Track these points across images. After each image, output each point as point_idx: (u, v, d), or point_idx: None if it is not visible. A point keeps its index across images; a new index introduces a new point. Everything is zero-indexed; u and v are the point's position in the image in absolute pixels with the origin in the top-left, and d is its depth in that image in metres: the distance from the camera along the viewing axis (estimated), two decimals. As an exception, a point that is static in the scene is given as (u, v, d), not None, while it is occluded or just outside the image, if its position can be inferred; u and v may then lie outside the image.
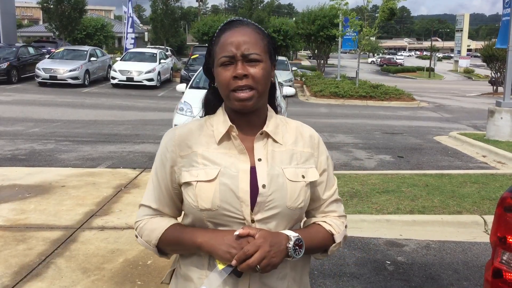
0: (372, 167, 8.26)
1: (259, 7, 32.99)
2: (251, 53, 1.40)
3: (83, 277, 3.96)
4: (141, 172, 7.30)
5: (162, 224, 1.49)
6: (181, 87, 9.71)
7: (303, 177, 1.47)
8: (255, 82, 1.41)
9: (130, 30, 28.96)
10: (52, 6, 27.65)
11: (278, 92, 1.65)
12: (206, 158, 1.44)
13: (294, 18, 41.48)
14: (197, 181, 1.42)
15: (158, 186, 1.52)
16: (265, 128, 1.48)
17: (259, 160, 1.45)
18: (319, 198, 1.55)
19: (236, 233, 1.36)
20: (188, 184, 1.44)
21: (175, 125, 8.28)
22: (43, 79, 20.46)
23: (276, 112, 1.58)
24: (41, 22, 59.70)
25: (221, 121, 1.49)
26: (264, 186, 1.41)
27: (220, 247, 1.36)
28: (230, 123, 1.47)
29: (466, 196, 6.11)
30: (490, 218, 5.41)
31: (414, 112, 17.78)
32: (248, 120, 1.49)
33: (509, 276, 1.53)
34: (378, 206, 5.70)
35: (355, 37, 22.33)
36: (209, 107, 1.56)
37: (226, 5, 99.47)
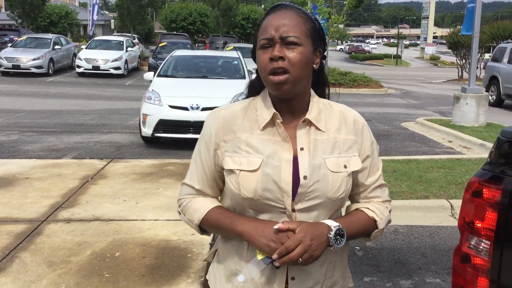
0: (341, 154, 8.30)
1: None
2: (289, 36, 1.40)
3: (49, 270, 3.86)
4: (108, 163, 7.16)
5: (204, 205, 1.52)
6: (148, 75, 9.55)
7: (345, 167, 1.46)
8: (291, 65, 1.39)
9: (95, 17, 28.33)
10: (13, -7, 26.80)
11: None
12: (250, 145, 1.44)
13: (263, 6, 41.33)
14: (240, 169, 1.42)
15: (201, 167, 1.53)
16: (308, 116, 1.47)
17: (301, 149, 1.44)
18: (363, 184, 1.54)
19: (276, 227, 1.37)
20: (231, 171, 1.45)
21: (143, 114, 8.15)
22: (5, 68, 19.88)
23: (325, 97, 1.58)
24: (3, 10, 57.83)
25: (265, 106, 1.48)
26: (305, 177, 1.41)
27: (260, 239, 1.37)
28: (274, 110, 1.45)
29: (433, 181, 6.21)
30: (456, 202, 5.51)
31: (382, 98, 17.99)
32: (290, 106, 1.47)
33: (477, 260, 1.54)
34: (347, 192, 5.73)
35: (324, 25, 22.37)
36: (253, 90, 1.56)
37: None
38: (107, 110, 12.81)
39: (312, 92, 1.52)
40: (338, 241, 1.39)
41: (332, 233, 1.39)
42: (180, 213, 1.59)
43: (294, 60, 1.39)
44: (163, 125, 8.04)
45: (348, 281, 1.61)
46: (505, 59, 15.69)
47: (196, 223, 1.52)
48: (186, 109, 7.98)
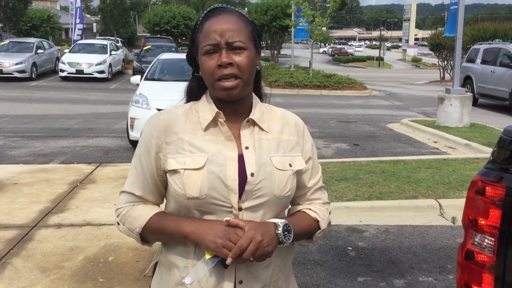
0: (329, 156, 8.37)
1: (211, -4, 32.77)
2: (235, 41, 1.39)
3: (42, 276, 3.83)
4: (96, 167, 7.11)
5: (146, 212, 1.47)
6: (135, 79, 9.51)
7: (290, 165, 1.47)
8: (240, 70, 1.39)
9: (78, 21, 28.09)
10: (-6, -3, 26.51)
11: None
12: (193, 145, 1.42)
13: (246, 8, 41.38)
14: (185, 169, 1.40)
15: (142, 173, 1.49)
16: (251, 116, 1.47)
17: (247, 148, 1.44)
18: (305, 186, 1.56)
19: (226, 218, 1.36)
20: (174, 171, 1.41)
21: (131, 118, 8.12)
22: (-13, 73, 19.60)
23: (262, 99, 1.57)
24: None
25: (207, 107, 1.47)
26: (252, 174, 1.40)
27: (207, 236, 1.36)
28: (216, 110, 1.45)
29: (421, 181, 6.28)
30: (444, 202, 5.59)
31: (366, 100, 18.12)
32: (234, 108, 1.47)
33: (480, 257, 1.58)
34: (337, 193, 5.78)
35: (308, 28, 22.50)
36: (193, 95, 1.53)
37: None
38: (92, 114, 12.72)
39: (254, 95, 1.53)
40: (287, 237, 1.40)
41: (280, 229, 1.39)
42: (118, 224, 1.51)
43: (242, 65, 1.38)
44: (151, 128, 7.99)
45: None
46: (478, 60, 16.43)
47: (137, 231, 1.46)
48: (174, 112, 7.95)
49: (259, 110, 1.50)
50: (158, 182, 1.49)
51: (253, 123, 1.47)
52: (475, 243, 1.58)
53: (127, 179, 1.54)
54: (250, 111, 1.49)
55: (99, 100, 15.68)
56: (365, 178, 6.39)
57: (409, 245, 4.68)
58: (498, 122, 12.33)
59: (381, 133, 10.77)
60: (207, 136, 1.44)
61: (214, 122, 1.45)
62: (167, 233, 1.44)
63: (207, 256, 1.36)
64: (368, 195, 5.75)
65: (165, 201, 1.57)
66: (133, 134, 8.12)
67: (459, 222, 5.24)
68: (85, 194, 5.89)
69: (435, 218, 5.37)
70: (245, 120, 1.46)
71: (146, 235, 1.48)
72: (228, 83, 1.38)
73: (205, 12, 1.47)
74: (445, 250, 4.56)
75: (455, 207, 5.53)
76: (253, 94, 1.53)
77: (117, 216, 1.52)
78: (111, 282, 3.78)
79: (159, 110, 8.01)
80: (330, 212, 1.62)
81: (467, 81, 16.79)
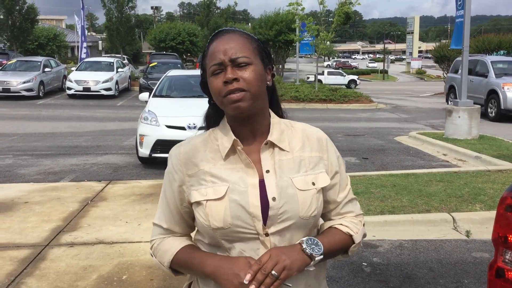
0: (338, 170, 8.32)
1: (216, 12, 33.01)
2: (239, 57, 1.38)
3: (56, 296, 3.81)
4: (107, 184, 7.11)
5: (173, 246, 1.49)
6: (144, 96, 9.56)
7: (313, 184, 1.44)
8: (247, 84, 1.37)
9: (83, 39, 28.34)
10: (2, 17, 26.78)
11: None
12: (214, 175, 1.42)
13: (250, 24, 41.64)
14: (207, 200, 1.40)
15: (167, 205, 1.51)
16: (269, 137, 1.44)
17: (267, 171, 1.42)
18: (334, 201, 1.52)
19: (247, 279, 1.31)
20: (198, 203, 1.42)
21: (140, 134, 8.13)
22: (-5, 92, 19.75)
23: (281, 116, 1.55)
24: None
25: (225, 135, 1.46)
26: (274, 198, 1.38)
27: (219, 280, 1.35)
28: (234, 137, 1.43)
29: (433, 195, 6.24)
30: (458, 215, 5.54)
31: (373, 113, 18.11)
32: (251, 129, 1.45)
33: (511, 275, 1.55)
34: (349, 208, 5.74)
35: (313, 42, 22.60)
36: (211, 122, 1.54)
37: (181, 12, 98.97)
38: (100, 131, 12.77)
39: (272, 113, 1.51)
40: (315, 250, 1.37)
41: (304, 244, 1.37)
42: (152, 256, 1.54)
43: (249, 79, 1.37)
44: (161, 145, 8.02)
45: None
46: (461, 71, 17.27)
47: (166, 265, 1.48)
48: (183, 128, 7.98)
49: (277, 129, 1.47)
50: (183, 214, 1.50)
51: (272, 144, 1.45)
52: (506, 260, 1.55)
53: (157, 211, 1.57)
54: (268, 130, 1.46)
55: (107, 117, 15.76)
56: (377, 192, 6.35)
57: (424, 260, 4.63)
58: (507, 134, 12.26)
59: (390, 146, 10.73)
60: (227, 165, 1.43)
61: (233, 150, 1.44)
62: (192, 269, 1.46)
63: None
64: (381, 210, 5.71)
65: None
66: (142, 151, 8.14)
67: (473, 236, 5.20)
68: (96, 212, 5.88)
69: (449, 232, 5.32)
70: (264, 142, 1.44)
71: (176, 268, 1.50)
72: (234, 95, 1.36)
73: (210, 37, 1.49)
74: (461, 265, 4.51)
75: (468, 220, 5.48)
76: (271, 113, 1.51)
77: (151, 249, 1.55)
78: (126, 301, 3.76)
79: (168, 126, 8.07)
80: (364, 224, 1.57)
81: (451, 90, 18.44)
